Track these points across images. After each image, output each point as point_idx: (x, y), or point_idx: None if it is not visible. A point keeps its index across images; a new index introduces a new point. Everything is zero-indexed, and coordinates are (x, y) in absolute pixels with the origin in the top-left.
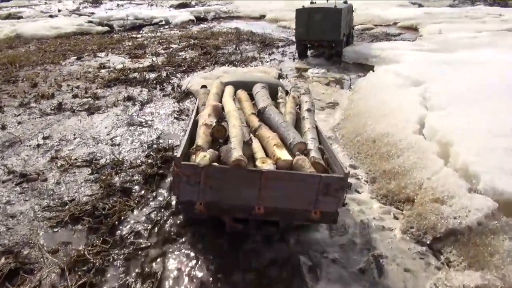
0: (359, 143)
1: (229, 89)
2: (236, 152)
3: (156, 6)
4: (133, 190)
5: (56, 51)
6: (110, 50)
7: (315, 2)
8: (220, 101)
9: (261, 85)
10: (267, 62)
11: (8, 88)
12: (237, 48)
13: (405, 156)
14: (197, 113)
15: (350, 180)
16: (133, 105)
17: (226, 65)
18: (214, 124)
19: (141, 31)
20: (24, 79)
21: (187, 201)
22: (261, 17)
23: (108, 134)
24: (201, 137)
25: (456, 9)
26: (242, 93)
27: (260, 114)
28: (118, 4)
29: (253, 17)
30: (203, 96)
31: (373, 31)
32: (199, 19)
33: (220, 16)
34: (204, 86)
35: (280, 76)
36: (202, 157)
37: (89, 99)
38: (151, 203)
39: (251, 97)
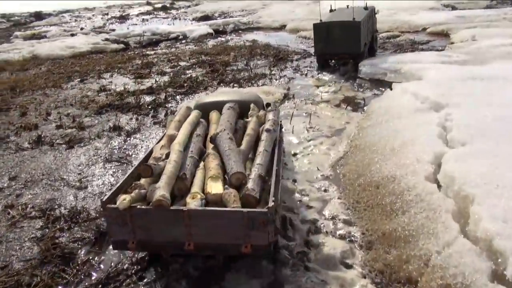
0: (360, 188)
1: (193, 115)
2: (158, 191)
3: (180, 19)
4: (77, 255)
5: (64, 73)
6: (117, 70)
7: (335, 10)
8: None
9: (228, 106)
10: (276, 79)
11: None
12: (248, 64)
13: (411, 213)
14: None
15: (342, 242)
16: (118, 135)
17: (232, 84)
18: (144, 163)
19: (156, 47)
20: (18, 106)
21: (120, 240)
22: (282, 28)
23: (79, 174)
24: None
25: (492, 11)
26: (214, 115)
27: (212, 141)
28: (143, 19)
29: (274, 27)
30: (172, 123)
31: (398, 39)
32: (218, 32)
33: (240, 28)
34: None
35: (285, 97)
36: (121, 201)
37: (74, 129)
38: (93, 272)
39: None
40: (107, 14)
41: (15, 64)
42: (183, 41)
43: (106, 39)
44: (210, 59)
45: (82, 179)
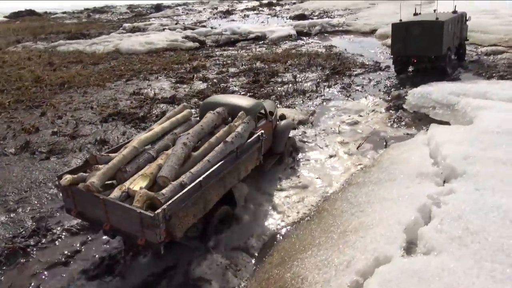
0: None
1: (181, 114)
2: (91, 178)
3: (277, 17)
4: None
5: (122, 70)
6: (168, 71)
7: (420, 13)
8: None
9: (217, 110)
10: (311, 99)
11: (18, 116)
12: (296, 76)
13: None
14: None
15: None
16: (99, 150)
17: (262, 99)
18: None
19: (230, 47)
20: (47, 104)
21: (68, 208)
22: (372, 32)
23: (25, 191)
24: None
25: None
26: (207, 115)
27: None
28: (244, 15)
29: (363, 32)
30: (162, 119)
31: (499, 57)
32: (301, 34)
33: (326, 30)
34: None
35: (301, 123)
36: (64, 179)
37: (66, 138)
38: None
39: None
40: (216, 8)
41: (95, 57)
42: (260, 42)
43: (187, 36)
44: (262, 66)
45: (24, 199)
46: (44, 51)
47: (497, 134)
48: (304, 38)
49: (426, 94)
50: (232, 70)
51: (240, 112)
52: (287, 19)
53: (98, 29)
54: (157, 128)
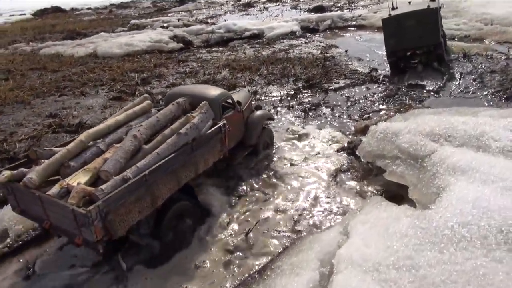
0: None
1: (140, 105)
2: (29, 173)
3: (296, 9)
4: None
5: (74, 80)
6: (116, 82)
7: (397, 8)
8: None
9: (177, 100)
10: None
11: None
12: (254, 93)
13: None
14: None
15: None
16: None
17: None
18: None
19: (219, 48)
20: None
21: (12, 205)
22: None
23: None
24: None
25: None
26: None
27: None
28: (264, 7)
29: (378, 27)
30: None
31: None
32: (308, 30)
33: (337, 25)
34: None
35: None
36: (2, 175)
37: None
38: None
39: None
40: (239, 0)
41: (65, 62)
42: (254, 42)
43: (175, 36)
44: (225, 77)
45: None
46: (27, 54)
47: (457, 242)
48: (309, 35)
49: (391, 134)
50: (188, 82)
51: (202, 102)
52: (304, 11)
53: (106, 26)
54: (109, 120)
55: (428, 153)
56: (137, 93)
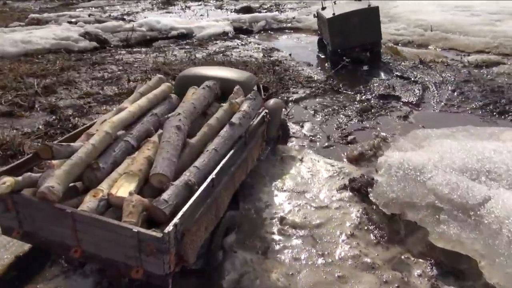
0: None
1: (160, 88)
2: (48, 181)
3: (221, 9)
4: None
5: None
6: (8, 90)
7: (335, 3)
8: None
9: (206, 84)
10: None
11: None
12: None
13: None
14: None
15: None
16: None
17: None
18: (46, 143)
19: (141, 49)
20: None
21: (7, 226)
22: None
23: None
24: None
25: None
26: (190, 92)
27: (161, 126)
28: (186, 6)
29: (315, 29)
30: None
31: (498, 71)
32: (241, 31)
33: (272, 27)
34: None
35: None
36: (2, 183)
37: None
38: None
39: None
40: None
41: None
42: (183, 42)
43: (86, 33)
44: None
45: None
46: None
47: None
48: (243, 36)
49: (414, 171)
50: (108, 91)
51: (236, 87)
52: (231, 12)
53: None
54: (132, 107)
55: (480, 201)
56: (36, 106)
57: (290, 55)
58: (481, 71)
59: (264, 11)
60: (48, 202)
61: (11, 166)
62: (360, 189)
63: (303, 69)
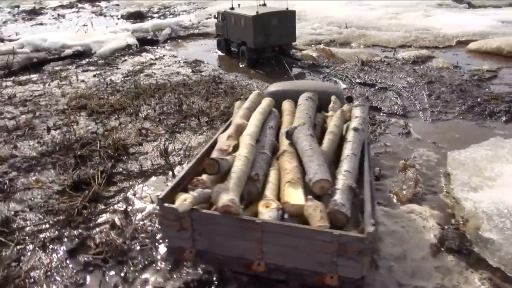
0: None
1: (265, 103)
2: (227, 194)
3: (105, 16)
4: None
5: None
6: None
7: (265, 4)
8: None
9: (307, 95)
10: None
11: None
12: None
13: None
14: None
15: None
16: None
17: None
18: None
19: (34, 74)
20: None
21: (177, 247)
22: None
23: None
24: None
25: None
26: (286, 105)
27: (288, 137)
28: (58, 14)
29: None
30: (237, 110)
31: (436, 65)
32: (145, 42)
33: (178, 34)
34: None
35: None
36: (182, 201)
37: None
38: None
39: None
40: (17, 7)
41: None
42: (83, 62)
43: None
44: (94, 129)
45: None
46: None
47: None
48: (150, 48)
49: None
50: (27, 150)
51: (333, 97)
52: (118, 18)
53: None
54: (256, 121)
55: None
56: None
57: (219, 67)
58: (421, 67)
59: (156, 15)
60: (231, 216)
61: (175, 185)
62: (460, 250)
63: (249, 83)
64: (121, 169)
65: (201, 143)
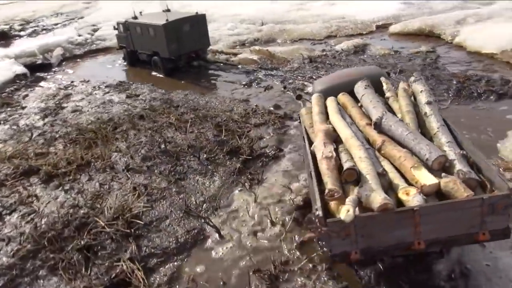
0: None
1: (332, 104)
2: (378, 195)
3: None
4: None
5: None
6: None
7: (169, 10)
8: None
9: (363, 84)
10: None
11: None
12: None
13: None
14: (308, 139)
15: None
16: None
17: None
18: (347, 167)
19: None
20: None
21: (342, 252)
22: None
23: None
24: (328, 176)
25: None
26: (344, 98)
27: (378, 127)
28: None
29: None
30: (307, 117)
31: (373, 53)
32: (34, 69)
33: (74, 53)
34: (299, 97)
35: None
36: (346, 213)
37: None
38: None
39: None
40: None
41: None
42: None
43: None
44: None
45: None
46: None
47: None
48: (45, 75)
49: None
50: None
51: (382, 78)
52: None
53: None
54: (338, 122)
55: None
56: None
57: (152, 84)
58: (366, 56)
59: (24, 33)
60: (388, 211)
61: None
62: None
63: (207, 101)
64: (150, 249)
65: (220, 186)
